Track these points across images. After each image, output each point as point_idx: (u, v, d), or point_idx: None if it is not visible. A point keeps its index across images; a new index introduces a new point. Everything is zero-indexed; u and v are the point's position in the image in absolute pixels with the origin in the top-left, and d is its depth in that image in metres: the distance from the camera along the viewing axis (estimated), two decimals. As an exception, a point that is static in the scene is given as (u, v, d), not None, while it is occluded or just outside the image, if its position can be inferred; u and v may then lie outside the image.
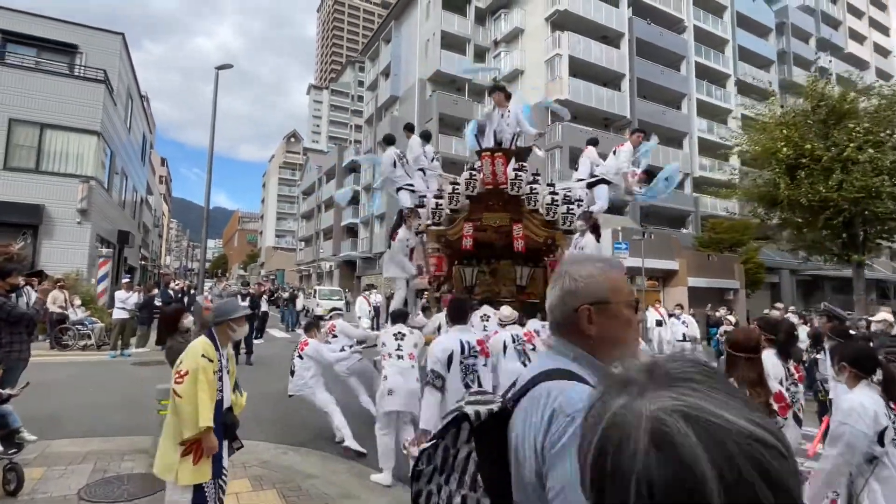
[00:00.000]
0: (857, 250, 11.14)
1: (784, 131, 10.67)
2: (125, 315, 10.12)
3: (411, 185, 7.58)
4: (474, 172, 6.65)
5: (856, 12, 48.83)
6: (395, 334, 4.69)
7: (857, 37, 48.23)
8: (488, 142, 6.89)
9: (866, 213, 10.43)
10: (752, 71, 37.48)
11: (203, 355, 2.88)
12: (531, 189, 6.37)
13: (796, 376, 3.16)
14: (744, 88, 37.03)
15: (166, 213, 61.60)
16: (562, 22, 28.84)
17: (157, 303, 11.54)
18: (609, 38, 30.40)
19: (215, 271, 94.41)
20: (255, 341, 13.93)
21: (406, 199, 7.50)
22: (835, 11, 46.15)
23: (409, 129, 8.17)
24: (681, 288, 23.17)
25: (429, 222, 6.91)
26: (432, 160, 7.96)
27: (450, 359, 3.55)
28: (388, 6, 47.58)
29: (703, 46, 34.72)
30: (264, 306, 14.50)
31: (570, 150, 27.69)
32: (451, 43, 31.89)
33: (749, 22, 37.92)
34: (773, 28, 39.79)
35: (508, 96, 7.02)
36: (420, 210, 7.04)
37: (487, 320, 5.51)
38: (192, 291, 12.92)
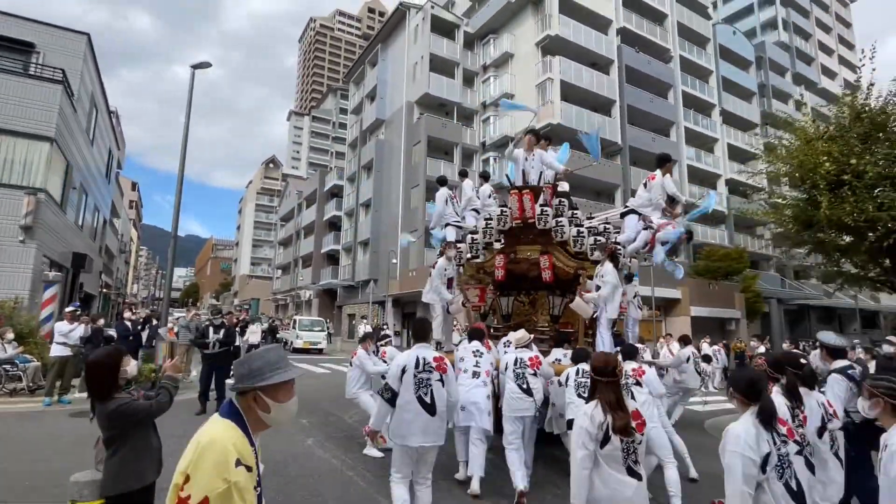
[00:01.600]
0: (900, 275, 10.12)
1: (825, 145, 9.74)
2: (66, 352, 8.27)
3: (459, 222, 8.25)
4: (505, 208, 7.11)
5: (827, 50, 50.72)
6: (474, 352, 5.12)
7: (829, 73, 49.92)
8: (518, 180, 7.35)
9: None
10: (735, 101, 37.96)
11: (239, 462, 1.47)
12: (557, 222, 6.71)
13: (801, 417, 2.95)
14: (728, 118, 37.39)
15: (135, 239, 58.65)
16: (552, 47, 28.54)
17: (113, 334, 9.74)
18: (599, 64, 30.25)
19: (185, 300, 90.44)
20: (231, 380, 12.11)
21: (451, 234, 8.09)
22: (808, 48, 47.76)
23: (463, 174, 8.90)
24: (683, 317, 22.12)
25: (469, 255, 7.43)
26: (489, 196, 8.45)
27: (403, 372, 3.68)
28: (369, 37, 47.17)
29: (689, 76, 35.00)
30: (237, 339, 12.70)
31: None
32: (440, 66, 31.27)
33: (731, 54, 38.65)
34: (754, 61, 40.67)
35: (538, 140, 7.43)
36: (461, 245, 7.60)
37: (508, 346, 5.70)
38: (155, 322, 11.08)
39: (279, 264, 56.10)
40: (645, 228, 6.48)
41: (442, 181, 8.73)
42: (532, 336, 5.46)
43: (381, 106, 35.21)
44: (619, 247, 6.66)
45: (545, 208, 6.78)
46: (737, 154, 37.20)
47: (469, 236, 7.70)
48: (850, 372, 4.05)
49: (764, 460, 2.32)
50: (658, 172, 6.45)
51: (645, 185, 6.62)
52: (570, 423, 4.37)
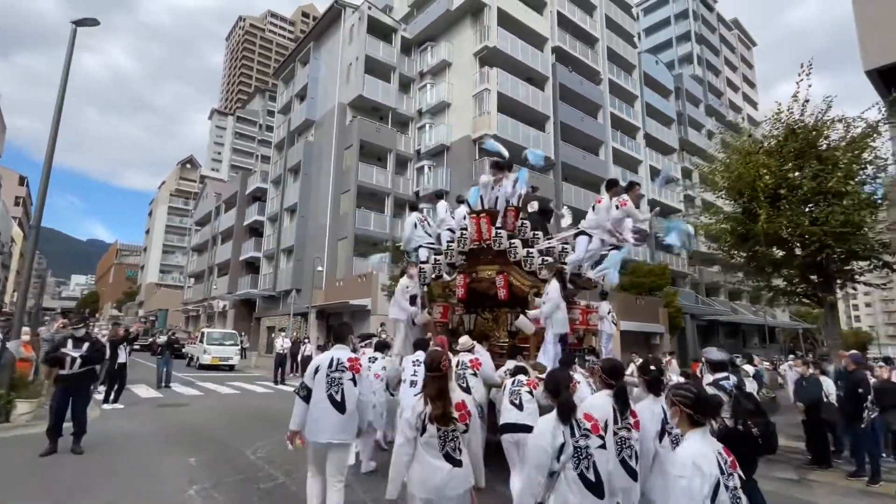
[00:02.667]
0: (831, 291, 10.29)
1: (764, 159, 9.72)
2: None
3: (432, 244, 8.46)
4: (464, 231, 7.54)
5: (733, 87, 55.48)
6: (413, 361, 5.46)
7: (735, 107, 54.57)
8: (477, 205, 7.93)
9: (845, 250, 9.62)
10: (657, 127, 40.10)
11: None
12: (511, 244, 7.15)
13: (632, 421, 3.13)
14: (651, 142, 39.35)
15: (18, 240, 51.41)
16: (490, 59, 28.40)
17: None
18: (535, 80, 30.55)
19: (82, 310, 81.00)
20: (110, 406, 10.00)
21: (423, 255, 8.35)
22: (718, 84, 51.92)
23: (439, 196, 9.47)
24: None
25: (434, 275, 7.81)
26: (464, 217, 8.28)
27: (316, 371, 3.85)
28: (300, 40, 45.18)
29: (616, 99, 36.42)
30: (122, 356, 10.64)
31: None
32: (376, 69, 30.15)
33: (654, 82, 40.89)
34: (673, 91, 43.35)
35: (502, 169, 7.96)
36: (425, 265, 7.96)
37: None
38: (4, 335, 8.81)
39: (192, 272, 51.53)
40: (613, 248, 6.61)
41: (413, 207, 9.67)
42: (474, 342, 5.73)
43: (311, 106, 33.36)
44: (565, 266, 6.86)
45: (500, 230, 7.25)
46: (657, 176, 39.11)
47: (433, 257, 8.16)
48: (721, 383, 4.44)
49: (559, 450, 2.56)
50: (605, 196, 6.70)
51: (593, 207, 6.83)
52: (503, 427, 4.71)
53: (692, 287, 41.01)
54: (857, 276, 10.46)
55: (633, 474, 2.96)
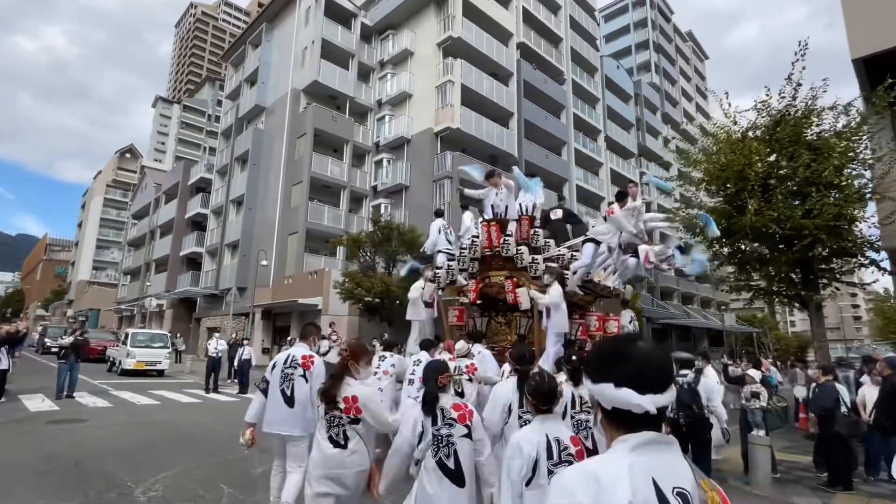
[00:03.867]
0: (816, 290, 9.64)
1: (756, 144, 8.94)
2: None
3: (450, 250, 8.80)
4: (475, 238, 7.94)
5: (687, 96, 56.99)
6: (414, 361, 5.71)
7: (689, 116, 55.99)
8: (488, 214, 8.01)
9: (835, 246, 8.97)
10: (617, 130, 40.25)
11: None
12: (517, 250, 7.39)
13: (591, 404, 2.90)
14: (611, 145, 39.41)
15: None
16: (454, 50, 27.29)
17: None
18: (499, 75, 29.67)
19: (2, 311, 73.79)
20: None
21: (440, 260, 8.71)
22: (674, 92, 53.07)
23: (464, 207, 9.40)
24: (578, 334, 21.52)
25: (449, 280, 8.16)
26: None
27: (273, 366, 4.08)
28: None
29: (579, 100, 36.18)
30: (4, 361, 8.64)
31: (461, 181, 25.39)
32: (334, 54, 28.40)
33: (615, 87, 41.06)
34: (633, 96, 43.75)
35: (500, 175, 8.07)
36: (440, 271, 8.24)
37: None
38: None
39: (127, 269, 47.59)
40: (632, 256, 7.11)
41: (438, 213, 9.52)
42: (469, 346, 5.82)
43: (262, 91, 31.14)
44: (566, 272, 7.17)
45: (507, 238, 7.51)
46: (617, 179, 39.19)
47: (447, 263, 8.47)
48: (678, 378, 5.06)
49: (419, 438, 2.78)
50: (616, 206, 7.09)
51: (605, 218, 7.32)
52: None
53: (648, 290, 41.33)
54: (839, 276, 9.90)
55: (452, 476, 2.96)
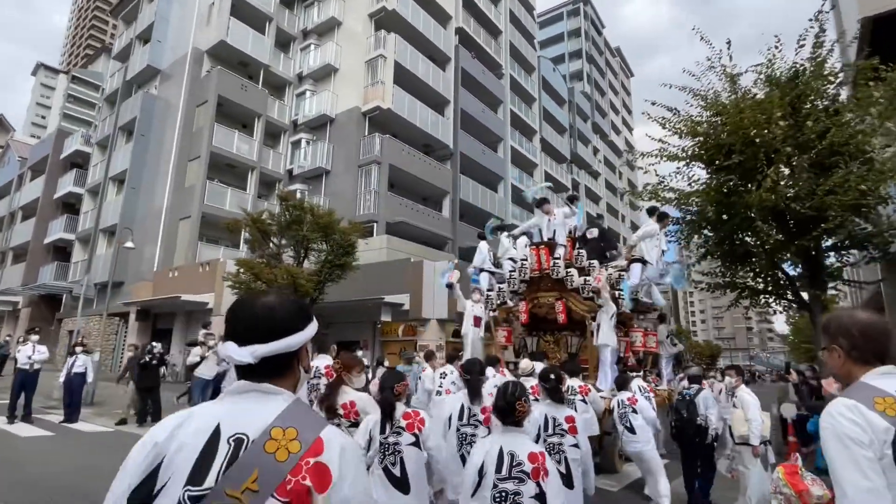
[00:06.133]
0: (823, 288, 7.95)
1: (777, 98, 7.05)
2: None
3: (493, 271, 9.64)
4: (524, 261, 8.63)
5: (615, 109, 58.37)
6: (440, 374, 6.68)
7: (616, 129, 57.34)
8: (536, 238, 8.88)
9: (855, 231, 7.28)
10: (552, 133, 39.43)
11: None
12: (567, 272, 7.98)
13: (566, 427, 3.40)
14: (546, 147, 38.43)
15: None
16: (387, 23, 24.51)
17: None
18: (436, 59, 27.25)
19: None
20: None
21: (484, 281, 9.43)
22: (603, 104, 53.93)
23: (500, 229, 10.68)
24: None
25: (498, 301, 8.86)
26: (525, 246, 9.27)
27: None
28: None
29: (517, 97, 34.77)
30: None
31: (391, 168, 22.58)
32: (247, 15, 24.48)
33: (551, 89, 40.31)
34: (567, 101, 43.37)
35: (549, 202, 8.95)
36: (491, 293, 9.02)
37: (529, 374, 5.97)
38: None
39: (-21, 259, 39.27)
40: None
41: (481, 236, 10.34)
42: (533, 365, 5.91)
43: (156, 51, 26.31)
44: (620, 292, 7.74)
45: (557, 260, 8.12)
46: (551, 182, 38.30)
47: (497, 286, 9.19)
48: (684, 392, 6.12)
49: (367, 446, 2.78)
50: (653, 223, 8.56)
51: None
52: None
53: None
54: (843, 270, 8.36)
55: (396, 483, 2.90)
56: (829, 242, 8.08)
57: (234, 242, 21.60)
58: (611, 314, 7.12)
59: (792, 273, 8.69)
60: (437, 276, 16.69)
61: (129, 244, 13.28)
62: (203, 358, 9.34)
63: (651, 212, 8.96)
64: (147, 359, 9.26)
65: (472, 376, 3.61)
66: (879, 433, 1.35)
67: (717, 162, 7.98)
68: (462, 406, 3.54)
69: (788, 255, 7.61)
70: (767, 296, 9.07)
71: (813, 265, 8.08)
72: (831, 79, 7.59)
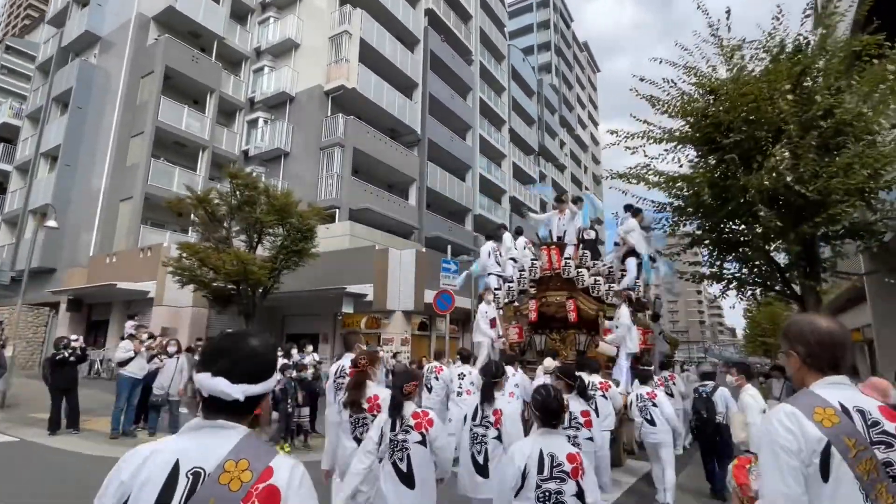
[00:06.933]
0: (818, 280, 7.49)
1: (787, 69, 6.44)
2: None
3: (500, 272, 9.90)
4: (535, 261, 9.05)
5: (581, 103, 58.54)
6: (458, 374, 6.80)
7: (582, 124, 57.53)
8: (548, 237, 9.22)
9: (857, 218, 6.83)
10: (521, 124, 38.89)
11: None
12: (578, 272, 8.31)
13: (582, 421, 3.84)
14: (514, 138, 37.86)
15: None
16: (353, -2, 23.12)
17: None
18: (405, 40, 26.07)
19: None
20: None
21: (493, 283, 9.75)
22: (570, 97, 53.92)
23: (504, 227, 10.93)
24: (484, 334, 18.61)
25: (507, 300, 9.26)
26: (524, 247, 10.17)
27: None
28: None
29: (486, 85, 33.98)
30: None
31: (355, 152, 21.35)
32: (198, -21, 22.53)
33: (520, 79, 39.74)
34: (536, 93, 42.92)
35: (565, 202, 9.29)
36: (499, 292, 9.43)
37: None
38: None
39: None
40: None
41: (489, 237, 10.62)
42: (556, 364, 5.99)
43: (96, 15, 23.95)
44: (632, 292, 8.22)
45: (569, 261, 8.42)
46: (519, 173, 37.86)
47: (506, 284, 9.51)
48: (699, 388, 6.39)
49: (379, 441, 2.94)
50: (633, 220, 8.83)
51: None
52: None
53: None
54: (838, 261, 7.94)
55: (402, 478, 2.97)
56: (828, 230, 7.58)
57: (184, 227, 19.89)
58: (629, 322, 7.47)
59: (782, 263, 8.20)
60: (402, 264, 15.73)
61: (52, 223, 11.63)
62: (136, 354, 8.07)
63: (627, 208, 9.25)
64: (64, 354, 7.89)
65: (486, 380, 3.71)
66: (811, 442, 1.40)
67: (716, 141, 7.33)
68: (476, 407, 3.64)
69: (785, 243, 7.00)
70: (754, 287, 8.58)
71: (809, 254, 7.59)
72: (840, 54, 7.03)
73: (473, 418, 3.60)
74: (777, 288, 8.34)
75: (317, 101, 22.18)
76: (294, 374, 8.44)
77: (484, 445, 3.56)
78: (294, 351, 9.07)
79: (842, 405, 1.44)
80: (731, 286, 8.80)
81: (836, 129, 6.54)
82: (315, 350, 16.54)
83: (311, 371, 8.31)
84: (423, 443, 2.89)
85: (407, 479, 2.84)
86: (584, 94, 60.26)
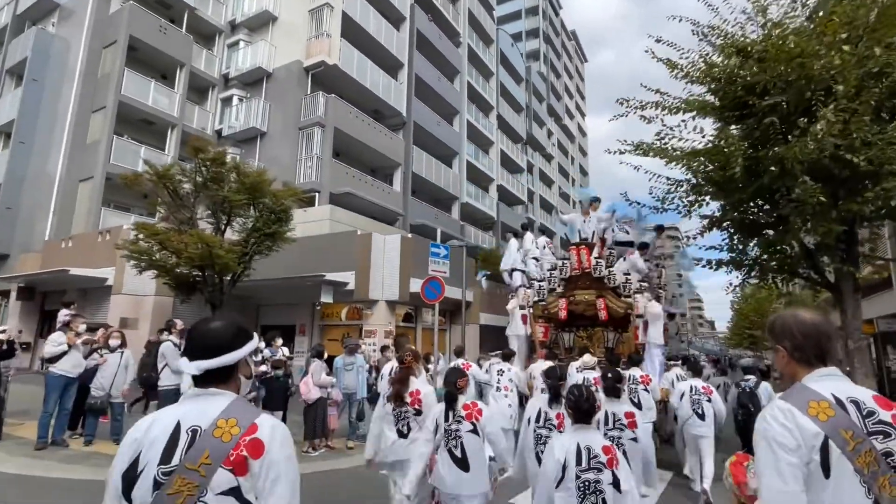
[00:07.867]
0: (856, 265, 6.66)
1: (837, 22, 5.53)
2: None
3: (524, 269, 10.32)
4: (565, 260, 9.40)
5: (569, 93, 57.70)
6: (497, 371, 7.49)
7: (570, 114, 56.75)
8: (575, 237, 9.56)
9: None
10: (509, 111, 37.85)
11: None
12: (609, 272, 8.83)
13: (626, 422, 3.75)
14: (502, 125, 36.83)
15: None
16: (335, -31, 21.68)
17: None
18: (389, 17, 24.73)
19: None
20: None
21: (518, 279, 10.24)
22: (558, 86, 53.03)
23: (525, 228, 11.32)
24: (473, 326, 17.69)
25: (536, 299, 9.61)
26: (544, 247, 10.59)
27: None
28: None
29: (474, 69, 32.84)
30: None
31: (336, 133, 20.09)
32: (166, -56, 20.88)
33: (509, 64, 38.65)
34: (525, 80, 41.88)
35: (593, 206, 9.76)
36: (529, 290, 9.84)
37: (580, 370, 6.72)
38: None
39: None
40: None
41: (514, 233, 11.16)
42: (597, 359, 6.86)
43: (54, -20, 22.09)
44: (661, 290, 9.23)
45: (599, 260, 8.88)
46: (507, 161, 36.92)
47: (536, 283, 9.88)
48: (741, 383, 6.82)
49: (435, 429, 3.27)
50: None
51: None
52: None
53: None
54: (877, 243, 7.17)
55: (458, 462, 3.20)
56: (871, 209, 6.70)
57: (151, 210, 18.44)
58: (661, 319, 8.09)
59: (810, 246, 7.34)
60: (386, 251, 14.64)
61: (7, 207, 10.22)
62: (70, 347, 6.85)
63: (658, 229, 10.37)
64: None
65: (552, 381, 3.77)
66: (809, 438, 1.39)
67: (748, 105, 6.38)
68: (539, 410, 3.67)
69: (824, 223, 6.11)
70: (778, 274, 7.74)
71: (849, 236, 6.75)
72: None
73: (537, 420, 3.64)
74: (804, 275, 7.50)
75: (295, 78, 20.81)
76: (265, 369, 7.37)
77: (548, 444, 3.87)
78: (262, 345, 7.95)
79: (835, 397, 1.44)
80: (752, 273, 7.95)
81: (892, 90, 5.65)
82: (291, 342, 15.43)
83: (279, 371, 7.22)
84: (474, 431, 3.19)
85: (462, 463, 3.13)
86: (572, 83, 59.43)
